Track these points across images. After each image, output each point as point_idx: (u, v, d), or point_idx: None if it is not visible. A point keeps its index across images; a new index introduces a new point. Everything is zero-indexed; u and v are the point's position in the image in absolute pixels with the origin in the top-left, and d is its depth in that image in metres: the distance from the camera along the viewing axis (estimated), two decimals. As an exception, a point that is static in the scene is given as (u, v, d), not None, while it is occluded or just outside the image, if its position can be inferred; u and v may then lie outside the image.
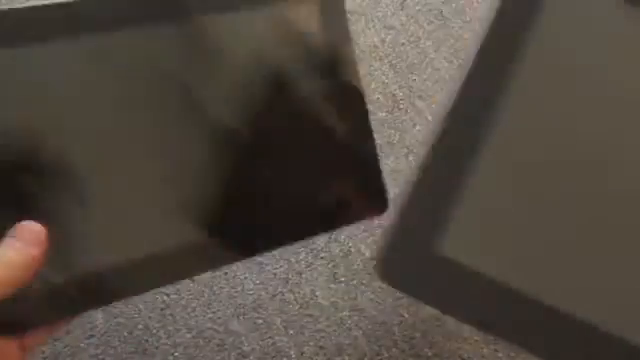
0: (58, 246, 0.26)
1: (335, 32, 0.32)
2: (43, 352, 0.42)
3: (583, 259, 0.26)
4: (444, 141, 0.27)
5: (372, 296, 0.46)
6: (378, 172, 0.33)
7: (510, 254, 0.26)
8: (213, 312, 0.44)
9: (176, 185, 0.29)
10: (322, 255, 0.47)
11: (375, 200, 0.32)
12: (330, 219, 0.31)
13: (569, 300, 0.26)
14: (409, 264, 0.26)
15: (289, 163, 0.31)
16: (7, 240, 0.25)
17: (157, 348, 0.43)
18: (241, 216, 0.30)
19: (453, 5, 0.59)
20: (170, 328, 0.44)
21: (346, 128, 0.32)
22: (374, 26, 0.57)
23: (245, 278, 0.46)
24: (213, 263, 0.30)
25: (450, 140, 0.27)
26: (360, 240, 0.47)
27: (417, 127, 0.52)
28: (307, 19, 0.31)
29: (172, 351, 0.43)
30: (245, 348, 0.44)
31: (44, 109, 0.27)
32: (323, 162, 0.31)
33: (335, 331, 0.44)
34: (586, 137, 0.28)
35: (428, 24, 0.58)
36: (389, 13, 0.58)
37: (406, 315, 0.45)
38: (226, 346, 0.44)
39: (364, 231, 0.47)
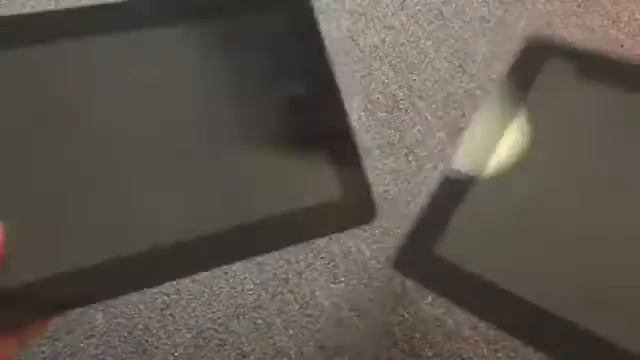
0: (50, 241, 0.28)
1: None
2: (43, 352, 0.42)
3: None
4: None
5: (372, 296, 0.46)
6: (364, 179, 0.32)
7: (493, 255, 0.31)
8: (213, 312, 0.44)
9: (170, 185, 0.29)
10: (322, 255, 0.47)
11: (361, 208, 0.32)
12: (309, 228, 0.31)
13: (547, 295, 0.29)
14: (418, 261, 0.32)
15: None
16: None
17: (157, 348, 0.43)
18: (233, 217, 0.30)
19: (453, 5, 0.59)
20: (170, 328, 0.44)
21: (325, 134, 0.32)
22: (374, 26, 0.57)
23: (245, 278, 0.46)
24: (203, 264, 0.29)
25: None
26: (360, 240, 0.47)
27: (417, 127, 0.52)
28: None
29: (172, 351, 0.43)
30: (245, 348, 0.44)
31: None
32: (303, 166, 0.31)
33: (335, 331, 0.44)
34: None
35: (428, 24, 0.58)
36: (389, 13, 0.58)
37: (406, 315, 0.45)
38: (226, 346, 0.44)
39: (364, 231, 0.47)
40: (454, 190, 0.32)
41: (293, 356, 0.44)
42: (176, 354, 0.43)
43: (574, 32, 0.57)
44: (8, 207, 0.28)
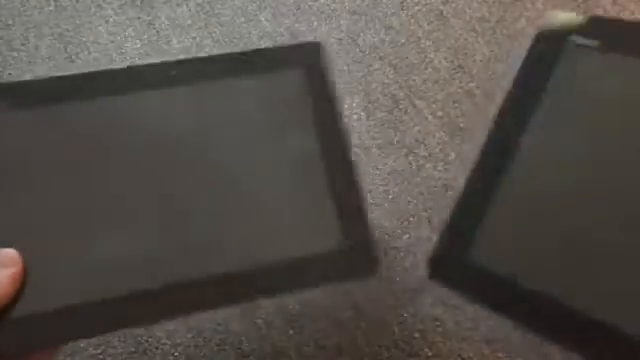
0: (67, 270, 0.30)
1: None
2: (43, 352, 0.42)
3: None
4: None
5: (372, 296, 0.46)
6: (369, 234, 0.32)
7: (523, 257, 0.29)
8: (213, 312, 0.45)
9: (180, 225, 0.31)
10: (322, 255, 0.47)
11: (363, 262, 0.32)
12: (308, 277, 0.31)
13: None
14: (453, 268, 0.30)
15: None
16: None
17: (157, 348, 0.43)
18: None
19: (453, 5, 0.59)
20: (170, 328, 0.44)
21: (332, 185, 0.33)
22: (374, 26, 0.57)
23: (245, 278, 0.46)
24: (211, 303, 0.30)
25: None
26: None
27: (417, 127, 0.52)
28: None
29: (172, 351, 0.43)
30: (245, 348, 0.44)
31: None
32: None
33: (335, 331, 0.44)
34: (605, 157, 0.30)
35: (428, 24, 0.58)
36: (389, 13, 0.58)
37: (406, 315, 0.45)
38: (226, 346, 0.44)
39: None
40: (484, 188, 0.31)
41: (293, 356, 0.44)
42: (176, 354, 0.43)
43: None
44: (27, 235, 0.30)
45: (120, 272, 0.30)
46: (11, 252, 0.30)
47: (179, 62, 0.34)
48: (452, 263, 0.30)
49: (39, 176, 0.31)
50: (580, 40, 0.32)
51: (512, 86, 0.32)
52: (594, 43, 0.31)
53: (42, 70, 0.55)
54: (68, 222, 0.31)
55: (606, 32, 0.31)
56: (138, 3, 0.59)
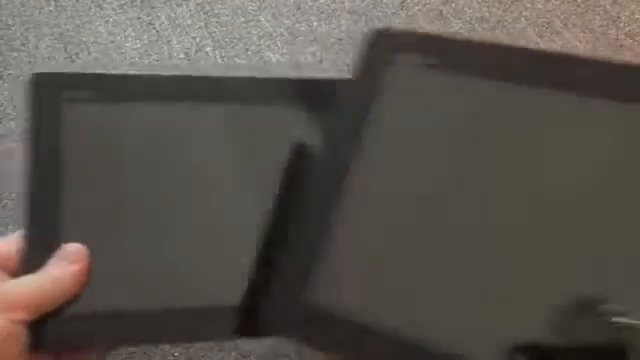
0: (123, 278, 0.29)
1: None
2: (43, 352, 0.42)
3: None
4: None
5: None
6: None
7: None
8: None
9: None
10: (322, 255, 0.47)
11: None
12: None
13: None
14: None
15: None
16: (52, 260, 0.29)
17: (157, 348, 0.43)
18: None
19: (453, 5, 0.59)
20: (170, 328, 0.44)
21: None
22: (374, 26, 0.57)
23: (245, 278, 0.46)
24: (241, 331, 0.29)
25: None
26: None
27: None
28: None
29: (172, 351, 0.43)
30: (245, 348, 0.44)
31: None
32: None
33: (335, 331, 0.44)
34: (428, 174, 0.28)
35: (428, 24, 0.58)
36: (389, 13, 0.58)
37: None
38: (226, 346, 0.44)
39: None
40: (312, 226, 0.28)
41: (293, 356, 0.44)
42: (176, 354, 0.43)
43: (574, 32, 0.57)
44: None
45: (195, 285, 0.29)
46: (78, 247, 0.29)
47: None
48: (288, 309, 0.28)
49: (115, 173, 0.30)
50: (408, 55, 0.30)
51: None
52: (420, 58, 0.29)
53: (42, 70, 0.55)
54: (142, 223, 0.30)
55: (435, 50, 0.30)
56: (138, 3, 0.59)
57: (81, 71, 0.33)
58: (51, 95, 0.31)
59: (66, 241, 0.29)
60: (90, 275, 0.29)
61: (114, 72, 0.32)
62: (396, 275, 0.27)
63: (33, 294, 0.28)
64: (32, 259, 0.29)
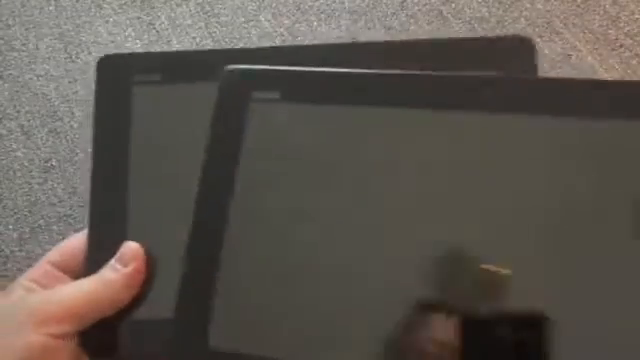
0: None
1: None
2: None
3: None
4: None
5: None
6: None
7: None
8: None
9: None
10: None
11: None
12: None
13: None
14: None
15: None
16: (111, 261, 0.27)
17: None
18: None
19: (453, 5, 0.59)
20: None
21: None
22: (374, 26, 0.57)
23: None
24: None
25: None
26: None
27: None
28: None
29: None
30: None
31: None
32: None
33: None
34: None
35: (428, 24, 0.58)
36: (389, 13, 0.58)
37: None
38: None
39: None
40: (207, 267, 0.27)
41: (293, 356, 0.43)
42: (176, 354, 0.43)
43: (574, 32, 0.57)
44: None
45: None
46: (133, 246, 0.27)
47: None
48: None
49: (186, 163, 0.27)
50: (263, 92, 0.28)
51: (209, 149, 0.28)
52: (275, 94, 0.28)
53: (42, 70, 0.55)
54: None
55: (285, 82, 0.28)
56: (138, 3, 0.60)
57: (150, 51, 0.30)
58: (121, 77, 0.29)
59: (131, 239, 0.27)
60: (151, 278, 0.27)
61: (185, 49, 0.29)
62: (290, 308, 0.26)
63: (80, 302, 0.26)
64: (94, 260, 0.27)
